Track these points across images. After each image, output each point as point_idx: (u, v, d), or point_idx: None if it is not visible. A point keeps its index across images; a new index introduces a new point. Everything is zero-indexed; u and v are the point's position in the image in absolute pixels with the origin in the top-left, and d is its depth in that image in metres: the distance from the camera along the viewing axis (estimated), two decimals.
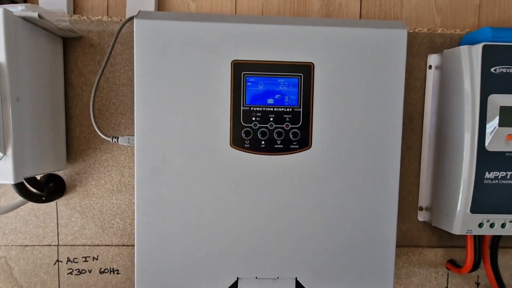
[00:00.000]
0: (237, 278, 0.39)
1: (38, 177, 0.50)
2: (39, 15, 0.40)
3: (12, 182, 0.39)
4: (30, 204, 0.52)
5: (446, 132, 0.49)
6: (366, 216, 0.40)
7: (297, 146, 0.39)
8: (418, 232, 0.54)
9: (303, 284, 0.40)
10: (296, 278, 0.40)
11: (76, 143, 0.52)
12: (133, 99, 0.39)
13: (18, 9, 0.40)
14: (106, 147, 0.52)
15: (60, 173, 0.52)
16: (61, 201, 0.52)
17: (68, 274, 0.53)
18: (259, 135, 0.39)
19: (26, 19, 0.41)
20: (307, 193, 0.39)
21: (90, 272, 0.53)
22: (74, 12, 0.53)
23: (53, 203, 0.52)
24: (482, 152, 0.44)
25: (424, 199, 0.53)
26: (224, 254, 0.39)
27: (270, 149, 0.39)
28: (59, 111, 0.50)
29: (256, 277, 0.39)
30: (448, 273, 0.55)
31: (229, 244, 0.39)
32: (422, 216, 0.54)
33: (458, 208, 0.46)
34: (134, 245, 0.53)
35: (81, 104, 0.51)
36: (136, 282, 0.40)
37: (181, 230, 0.39)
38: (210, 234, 0.39)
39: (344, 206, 0.40)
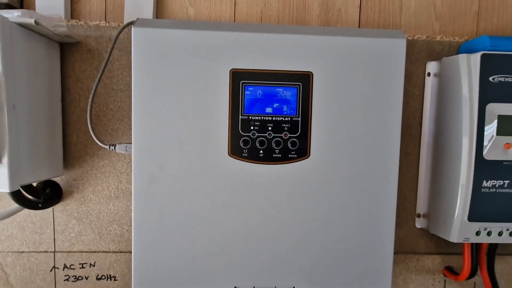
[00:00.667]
0: (235, 287, 0.39)
1: (35, 184, 0.50)
2: (35, 21, 0.40)
3: (8, 191, 0.39)
4: (27, 210, 0.51)
5: (444, 140, 0.49)
6: (364, 224, 0.40)
7: (296, 156, 0.39)
8: (416, 239, 0.54)
9: None
10: (293, 287, 0.40)
11: (73, 149, 0.51)
12: (131, 106, 0.38)
13: (14, 15, 0.40)
14: (103, 153, 0.51)
15: (57, 179, 0.51)
16: (58, 207, 0.52)
17: (64, 280, 0.53)
18: (257, 144, 0.39)
19: (22, 25, 0.40)
20: (305, 202, 0.39)
21: (87, 279, 0.53)
22: (72, 17, 0.53)
23: (49, 210, 0.52)
24: (480, 160, 0.44)
25: (422, 206, 0.53)
26: (221, 263, 0.39)
27: (268, 158, 0.39)
28: (56, 117, 0.49)
29: (254, 286, 0.39)
30: (445, 280, 0.55)
31: (227, 253, 0.39)
32: (419, 223, 0.54)
33: (456, 216, 0.46)
34: (131, 252, 0.52)
35: (79, 110, 0.51)
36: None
37: (178, 238, 0.39)
38: (208, 243, 0.39)
39: (342, 214, 0.40)
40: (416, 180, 0.53)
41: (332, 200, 0.39)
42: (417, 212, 0.54)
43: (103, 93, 0.51)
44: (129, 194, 0.52)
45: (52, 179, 0.51)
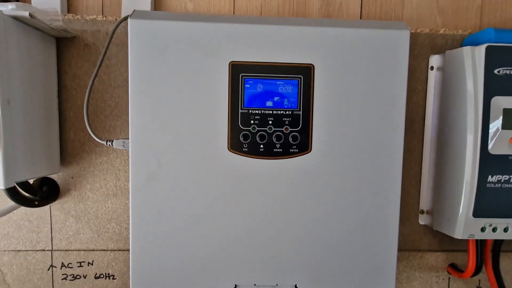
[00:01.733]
0: (235, 285, 0.38)
1: (31, 181, 0.49)
2: (30, 14, 0.39)
3: (3, 187, 0.38)
4: (23, 208, 0.50)
5: (448, 135, 0.48)
6: (367, 221, 0.39)
7: (297, 150, 0.38)
8: (419, 236, 0.54)
9: None
10: (295, 285, 0.39)
11: (71, 146, 0.50)
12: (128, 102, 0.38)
13: (8, 8, 0.39)
14: (101, 150, 0.50)
15: (54, 176, 0.51)
16: (55, 205, 0.51)
17: (62, 279, 0.52)
18: (257, 139, 0.38)
19: (17, 18, 0.40)
20: (307, 197, 0.38)
21: (85, 278, 0.52)
22: (68, 11, 0.52)
23: (46, 208, 0.51)
24: (485, 155, 0.43)
25: (425, 202, 0.52)
26: (221, 260, 0.38)
27: (269, 153, 0.38)
28: (53, 114, 0.48)
29: (255, 284, 0.39)
30: (449, 278, 0.54)
31: (227, 250, 0.38)
32: (423, 220, 0.53)
33: (460, 212, 0.45)
34: (130, 250, 0.52)
35: (75, 106, 0.50)
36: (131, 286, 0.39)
37: (177, 236, 0.38)
38: (208, 240, 0.38)
39: (344, 210, 0.39)
40: (419, 176, 0.52)
41: (334, 196, 0.38)
42: (420, 208, 0.53)
43: (100, 89, 0.50)
44: (128, 191, 0.51)
45: (49, 176, 0.50)
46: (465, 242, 0.51)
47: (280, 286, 0.39)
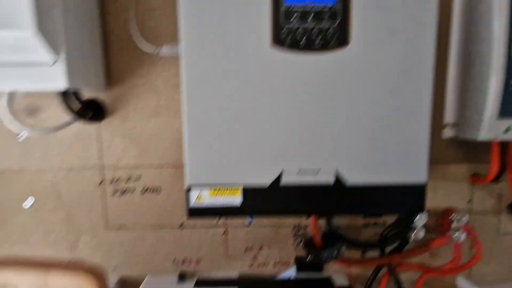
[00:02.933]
0: (282, 169, 0.42)
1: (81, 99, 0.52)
2: None
3: (65, 87, 0.41)
4: (73, 128, 0.54)
5: (475, 42, 0.50)
6: (401, 113, 0.42)
7: (336, 44, 0.40)
8: (443, 149, 0.56)
9: (344, 174, 0.42)
10: (337, 169, 0.42)
11: (116, 68, 0.53)
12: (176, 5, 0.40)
13: None
14: (144, 72, 0.53)
15: (100, 97, 0.54)
16: (102, 125, 0.55)
17: (112, 194, 0.56)
18: (299, 34, 0.40)
19: None
20: (346, 90, 0.41)
21: (133, 192, 0.56)
22: None
23: (95, 127, 0.55)
24: (510, 58, 0.46)
25: (450, 115, 0.55)
26: (269, 149, 0.41)
27: (309, 47, 0.40)
28: (96, 35, 0.51)
29: (300, 169, 0.42)
30: (472, 186, 0.58)
31: (274, 140, 0.41)
32: (448, 133, 0.55)
33: (485, 114, 0.48)
34: (173, 167, 0.56)
35: (121, 22, 0.52)
36: (187, 177, 0.42)
37: (227, 129, 0.41)
38: (255, 132, 0.41)
39: (380, 102, 0.41)
40: (443, 91, 0.55)
41: (371, 88, 0.41)
42: (445, 121, 0.55)
43: None
44: (169, 110, 0.55)
45: (95, 97, 0.53)
46: (488, 152, 0.53)
47: (322, 169, 0.42)
